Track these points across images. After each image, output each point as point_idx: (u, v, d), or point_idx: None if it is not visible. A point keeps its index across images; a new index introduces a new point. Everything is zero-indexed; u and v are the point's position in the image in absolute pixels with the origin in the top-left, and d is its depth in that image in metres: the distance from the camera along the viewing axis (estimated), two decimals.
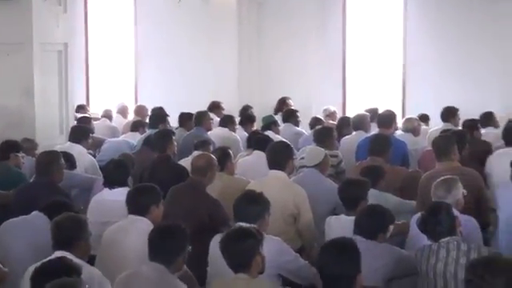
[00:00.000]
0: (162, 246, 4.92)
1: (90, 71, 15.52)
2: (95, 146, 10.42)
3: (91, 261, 5.48)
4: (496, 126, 10.73)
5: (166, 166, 8.02)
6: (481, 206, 6.98)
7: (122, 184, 6.95)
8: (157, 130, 9.56)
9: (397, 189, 7.32)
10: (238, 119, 11.26)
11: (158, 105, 12.30)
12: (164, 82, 14.16)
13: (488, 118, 10.86)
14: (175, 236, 4.99)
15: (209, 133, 10.31)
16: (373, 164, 7.44)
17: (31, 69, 10.16)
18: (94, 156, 9.84)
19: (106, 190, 7.00)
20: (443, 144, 7.36)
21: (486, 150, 8.79)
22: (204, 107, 11.56)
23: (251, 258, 4.68)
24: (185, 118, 10.95)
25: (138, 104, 13.70)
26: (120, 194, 6.49)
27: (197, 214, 6.43)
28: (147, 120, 11.62)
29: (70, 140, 9.24)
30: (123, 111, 13.42)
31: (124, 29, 15.34)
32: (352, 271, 4.34)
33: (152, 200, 5.92)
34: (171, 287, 4.78)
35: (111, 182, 7.01)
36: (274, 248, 5.29)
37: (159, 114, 11.28)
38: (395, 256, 5.39)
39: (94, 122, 11.85)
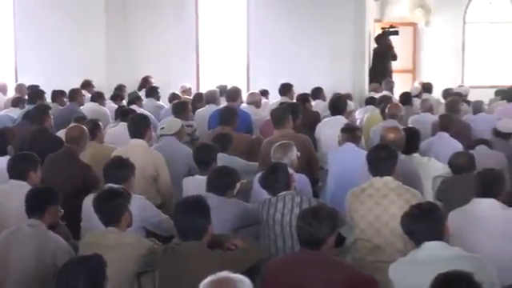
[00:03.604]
0: (33, 203, 4.83)
1: None
2: None
3: None
4: (324, 99, 11.02)
5: (43, 136, 7.81)
6: (311, 166, 7.13)
7: (3, 153, 6.72)
8: (35, 106, 9.28)
9: (243, 152, 7.36)
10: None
11: (36, 84, 11.95)
12: (42, 64, 13.66)
13: (317, 93, 11.16)
14: (42, 192, 4.93)
15: (81, 107, 10.09)
16: (222, 132, 7.46)
17: None
18: None
19: None
20: (280, 114, 7.47)
21: (316, 118, 9.00)
22: (77, 85, 11.30)
23: (120, 214, 4.65)
24: (57, 95, 10.66)
25: (18, 83, 13.22)
26: (1, 161, 6.27)
27: (71, 178, 6.30)
28: (26, 97, 11.25)
29: None
30: (3, 89, 12.98)
31: (4, 16, 14.66)
32: (203, 223, 4.37)
33: (30, 166, 5.73)
34: (45, 238, 4.69)
35: None
36: (138, 205, 5.25)
37: (37, 92, 10.94)
38: (241, 208, 5.44)
39: None
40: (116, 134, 8.17)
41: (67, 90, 10.59)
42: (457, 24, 17.56)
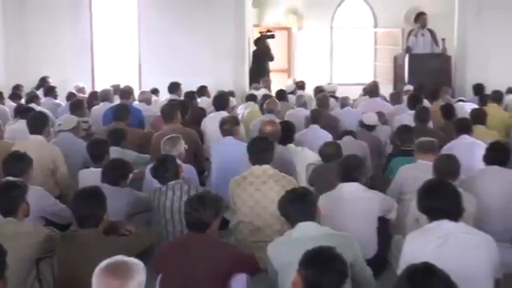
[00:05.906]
0: None
1: None
2: None
3: None
4: (208, 96, 11.02)
5: None
6: (198, 157, 7.15)
7: None
8: None
9: (135, 145, 7.29)
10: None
11: None
12: None
13: (202, 90, 11.13)
14: None
15: None
16: (116, 127, 7.36)
17: None
18: None
19: None
20: (169, 110, 7.46)
21: (202, 114, 9.01)
22: None
23: (18, 205, 4.48)
24: None
25: None
26: None
27: None
28: None
29: None
30: None
31: None
32: (99, 211, 4.29)
33: None
34: None
35: None
36: (37, 196, 5.12)
37: None
38: (134, 197, 5.39)
39: None
40: (15, 131, 7.90)
41: None
42: (325, 29, 17.97)
